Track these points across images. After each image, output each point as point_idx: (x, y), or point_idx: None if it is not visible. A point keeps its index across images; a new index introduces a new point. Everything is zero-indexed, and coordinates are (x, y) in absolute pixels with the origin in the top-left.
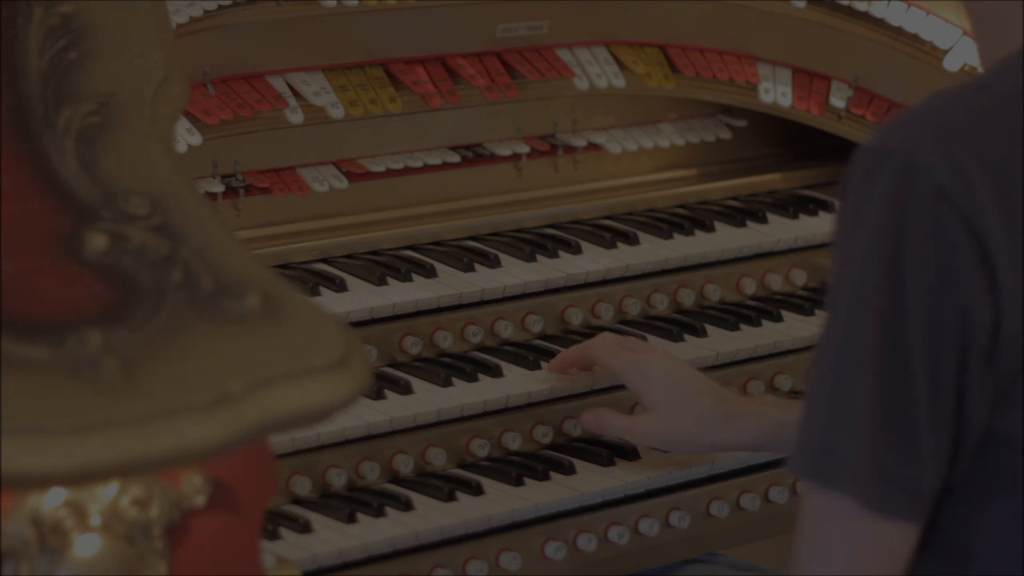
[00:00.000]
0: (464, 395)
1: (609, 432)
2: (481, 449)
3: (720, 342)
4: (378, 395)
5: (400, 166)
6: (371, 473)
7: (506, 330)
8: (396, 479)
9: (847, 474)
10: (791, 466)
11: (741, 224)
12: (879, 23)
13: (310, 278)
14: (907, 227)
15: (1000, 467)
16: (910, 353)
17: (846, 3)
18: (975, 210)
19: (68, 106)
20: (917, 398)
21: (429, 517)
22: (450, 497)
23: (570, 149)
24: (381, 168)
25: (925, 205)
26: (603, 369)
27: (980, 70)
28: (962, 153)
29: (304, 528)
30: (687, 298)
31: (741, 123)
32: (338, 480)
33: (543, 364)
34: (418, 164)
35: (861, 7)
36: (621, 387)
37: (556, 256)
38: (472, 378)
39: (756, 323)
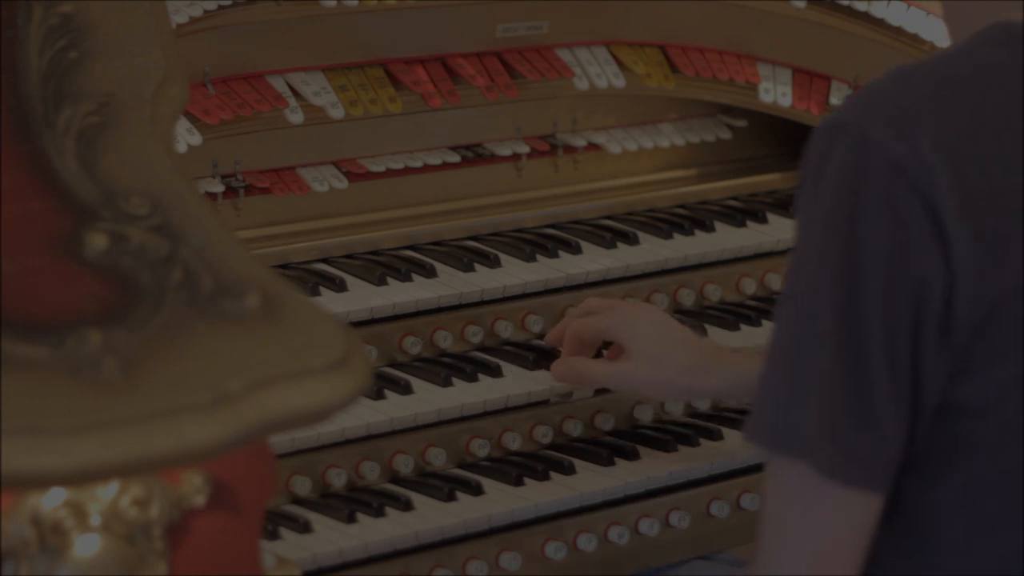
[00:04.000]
0: (464, 395)
1: (591, 380)
2: (481, 449)
3: (720, 342)
4: (378, 395)
5: (400, 166)
6: (371, 473)
7: (506, 330)
8: (396, 479)
9: (805, 443)
10: (748, 434)
11: (741, 224)
12: (879, 23)
13: (310, 278)
14: (861, 201)
15: (958, 438)
16: (866, 323)
17: (846, 3)
18: (929, 184)
19: (68, 106)
20: (873, 367)
21: (429, 517)
22: (450, 497)
23: (570, 149)
24: (381, 168)
25: (878, 179)
26: (592, 333)
27: None
28: (916, 128)
29: (304, 528)
30: (687, 298)
31: (741, 123)
32: (338, 480)
33: (543, 364)
34: (418, 164)
35: (861, 7)
36: None
37: (556, 256)
38: (472, 378)
39: (756, 323)
